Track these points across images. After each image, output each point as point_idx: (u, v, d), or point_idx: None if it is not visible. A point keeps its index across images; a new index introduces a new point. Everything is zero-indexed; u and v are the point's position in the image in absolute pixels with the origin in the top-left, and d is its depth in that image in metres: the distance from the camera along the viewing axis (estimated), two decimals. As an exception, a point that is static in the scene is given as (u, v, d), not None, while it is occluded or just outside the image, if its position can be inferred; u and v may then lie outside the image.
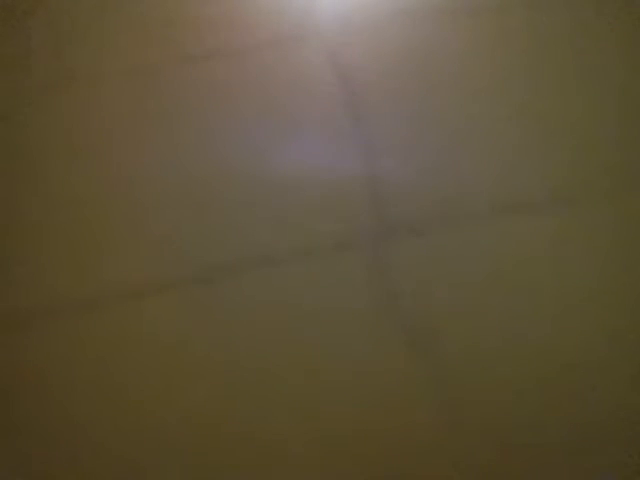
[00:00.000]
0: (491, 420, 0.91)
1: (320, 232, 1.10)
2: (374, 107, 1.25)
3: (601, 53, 1.29)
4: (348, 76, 1.31)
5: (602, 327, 0.97)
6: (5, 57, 1.39)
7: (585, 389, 0.92)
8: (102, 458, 0.92)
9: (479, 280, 1.03)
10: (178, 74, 1.34)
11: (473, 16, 1.37)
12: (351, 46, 1.35)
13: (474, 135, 1.20)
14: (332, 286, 1.04)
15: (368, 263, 1.06)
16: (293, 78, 1.31)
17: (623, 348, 0.95)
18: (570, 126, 1.19)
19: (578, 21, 1.34)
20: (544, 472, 0.87)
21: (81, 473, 0.91)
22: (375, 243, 1.08)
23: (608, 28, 1.32)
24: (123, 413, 0.95)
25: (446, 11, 1.38)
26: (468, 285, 1.02)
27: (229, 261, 1.08)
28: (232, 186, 1.17)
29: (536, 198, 1.11)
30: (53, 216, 1.16)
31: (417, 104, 1.25)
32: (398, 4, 1.41)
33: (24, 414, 0.96)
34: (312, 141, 1.22)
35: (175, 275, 1.07)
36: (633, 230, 1.06)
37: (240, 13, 1.42)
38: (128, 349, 1.00)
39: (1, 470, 0.91)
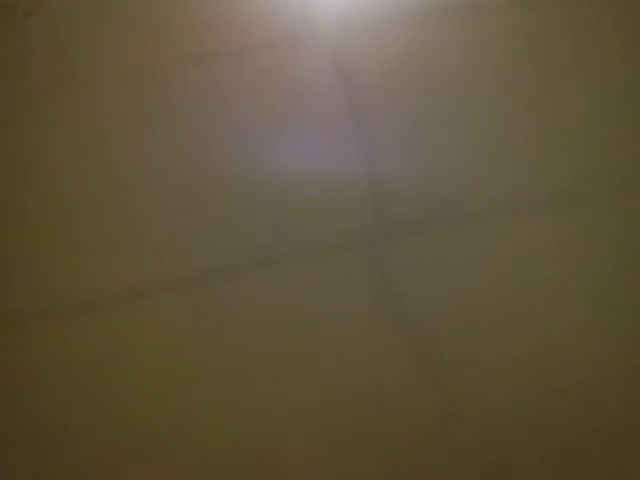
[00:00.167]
0: (491, 420, 0.90)
1: (320, 232, 1.10)
2: (374, 108, 1.25)
3: (603, 53, 1.29)
4: (348, 77, 1.30)
5: (603, 328, 0.97)
6: (5, 57, 1.39)
7: (586, 390, 0.92)
8: (97, 460, 0.91)
9: (479, 280, 1.03)
10: (177, 76, 1.34)
11: (474, 16, 1.37)
12: (352, 47, 1.35)
13: (474, 135, 1.19)
14: (332, 286, 1.04)
15: (368, 263, 1.06)
16: (293, 79, 1.31)
17: (624, 349, 0.95)
18: (571, 126, 1.19)
19: (579, 21, 1.34)
20: (544, 473, 0.87)
21: (76, 475, 0.90)
22: (375, 243, 1.08)
23: (611, 28, 1.32)
24: (118, 415, 0.95)
25: (446, 11, 1.38)
26: (468, 285, 1.02)
27: (229, 261, 1.08)
28: (232, 187, 1.17)
29: (536, 198, 1.11)
30: (50, 218, 1.16)
31: (417, 105, 1.25)
32: (398, 4, 1.41)
33: (19, 416, 0.95)
34: (312, 142, 1.22)
35: (173, 276, 1.07)
36: (634, 230, 1.06)
37: (241, 14, 1.42)
38: (125, 351, 1.00)
39: None
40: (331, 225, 1.10)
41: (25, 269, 1.10)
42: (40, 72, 1.36)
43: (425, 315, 1.00)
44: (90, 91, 1.32)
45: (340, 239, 1.09)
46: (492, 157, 1.16)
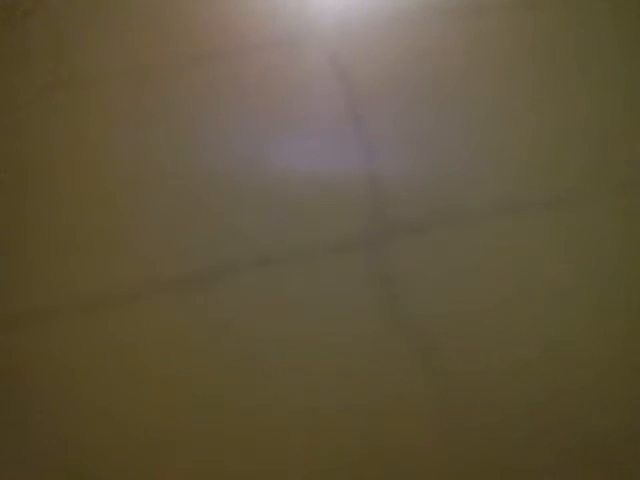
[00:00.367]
0: (492, 420, 0.90)
1: (320, 233, 1.10)
2: (374, 108, 1.25)
3: (603, 53, 1.29)
4: (348, 78, 1.30)
5: (604, 328, 0.97)
6: (5, 57, 1.39)
7: (587, 391, 0.92)
8: (97, 460, 0.91)
9: (479, 280, 1.03)
10: (177, 76, 1.34)
11: (474, 16, 1.37)
12: (352, 47, 1.35)
13: (474, 135, 1.19)
14: (332, 286, 1.04)
15: (368, 263, 1.06)
16: (293, 80, 1.31)
17: (625, 349, 0.95)
18: (571, 126, 1.19)
19: (579, 21, 1.34)
20: (545, 475, 0.86)
21: (77, 474, 0.90)
22: (375, 243, 1.08)
23: (611, 28, 1.32)
24: (118, 415, 0.95)
25: (446, 11, 1.38)
26: (468, 285, 1.02)
27: (229, 262, 1.08)
28: (231, 187, 1.17)
29: (536, 198, 1.11)
30: (50, 219, 1.16)
31: (417, 105, 1.25)
32: (398, 5, 1.41)
33: (19, 416, 0.95)
34: (312, 142, 1.22)
35: (173, 276, 1.07)
36: (634, 230, 1.06)
37: (239, 15, 1.42)
38: (125, 351, 1.00)
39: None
40: (331, 225, 1.10)
41: (24, 269, 1.10)
42: (40, 72, 1.36)
43: (425, 315, 1.00)
44: (89, 91, 1.32)
45: (340, 239, 1.09)
46: (492, 157, 1.16)
